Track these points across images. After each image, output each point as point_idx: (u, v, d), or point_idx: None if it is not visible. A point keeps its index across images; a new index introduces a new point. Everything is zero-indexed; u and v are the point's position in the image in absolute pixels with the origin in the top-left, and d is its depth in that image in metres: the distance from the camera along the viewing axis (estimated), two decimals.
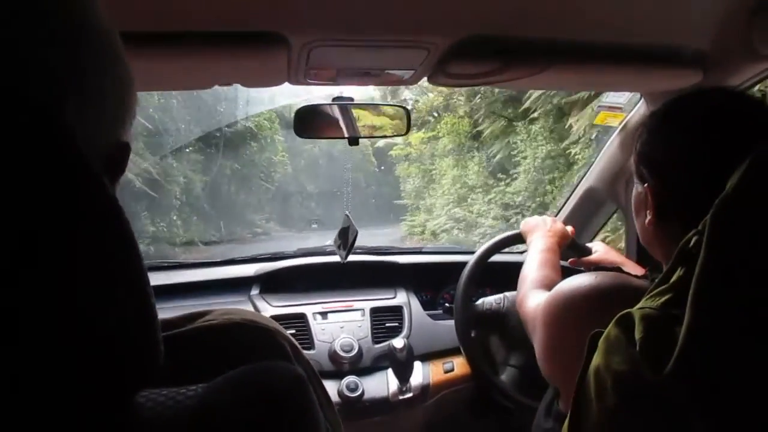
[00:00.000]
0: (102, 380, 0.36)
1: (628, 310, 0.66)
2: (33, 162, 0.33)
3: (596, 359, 0.67)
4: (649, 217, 0.83)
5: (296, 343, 0.58)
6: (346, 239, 1.61)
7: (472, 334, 1.61)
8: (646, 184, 0.83)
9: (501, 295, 1.65)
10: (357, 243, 1.62)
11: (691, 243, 0.63)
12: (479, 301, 1.66)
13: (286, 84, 1.19)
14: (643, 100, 1.54)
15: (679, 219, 0.78)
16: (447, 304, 1.82)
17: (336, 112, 1.35)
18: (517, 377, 1.55)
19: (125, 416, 0.38)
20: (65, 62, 0.38)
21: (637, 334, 0.62)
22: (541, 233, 1.32)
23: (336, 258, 1.73)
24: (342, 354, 1.53)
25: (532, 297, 1.08)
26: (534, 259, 1.23)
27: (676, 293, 0.63)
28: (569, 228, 1.46)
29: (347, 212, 1.64)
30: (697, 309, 0.58)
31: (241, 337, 0.53)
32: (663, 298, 0.65)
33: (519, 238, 1.55)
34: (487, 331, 1.66)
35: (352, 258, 1.87)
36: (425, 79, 1.23)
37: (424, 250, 2.13)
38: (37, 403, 0.33)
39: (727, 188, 0.61)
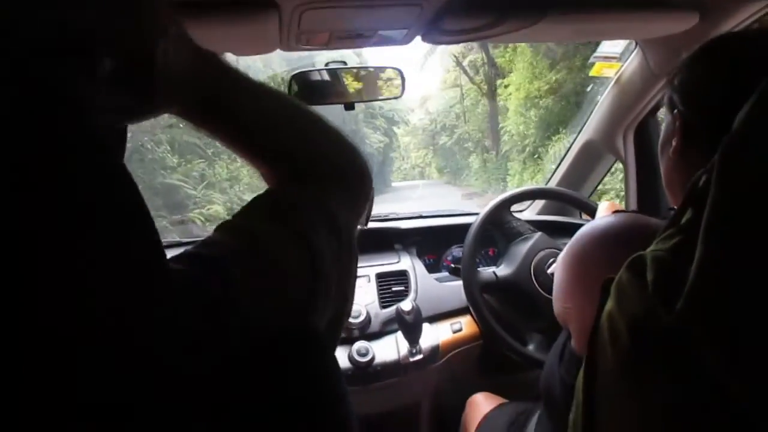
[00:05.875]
0: None
1: (640, 253, 0.66)
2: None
3: (609, 304, 0.67)
4: (674, 144, 0.82)
5: None
6: None
7: (480, 292, 1.61)
8: (675, 110, 0.82)
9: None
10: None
11: (701, 182, 0.63)
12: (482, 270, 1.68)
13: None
14: (638, 48, 1.53)
15: (703, 147, 0.76)
16: (452, 265, 1.82)
17: (330, 77, 1.33)
18: (541, 340, 1.56)
19: None
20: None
21: (649, 276, 0.63)
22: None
23: None
24: (350, 320, 1.53)
25: None
26: None
27: (686, 235, 0.63)
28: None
29: None
30: (707, 245, 0.58)
31: None
32: (673, 241, 0.65)
33: (521, 198, 1.57)
34: (499, 298, 1.67)
35: None
36: (419, 38, 1.21)
37: (423, 214, 2.12)
38: None
39: (735, 124, 0.60)
